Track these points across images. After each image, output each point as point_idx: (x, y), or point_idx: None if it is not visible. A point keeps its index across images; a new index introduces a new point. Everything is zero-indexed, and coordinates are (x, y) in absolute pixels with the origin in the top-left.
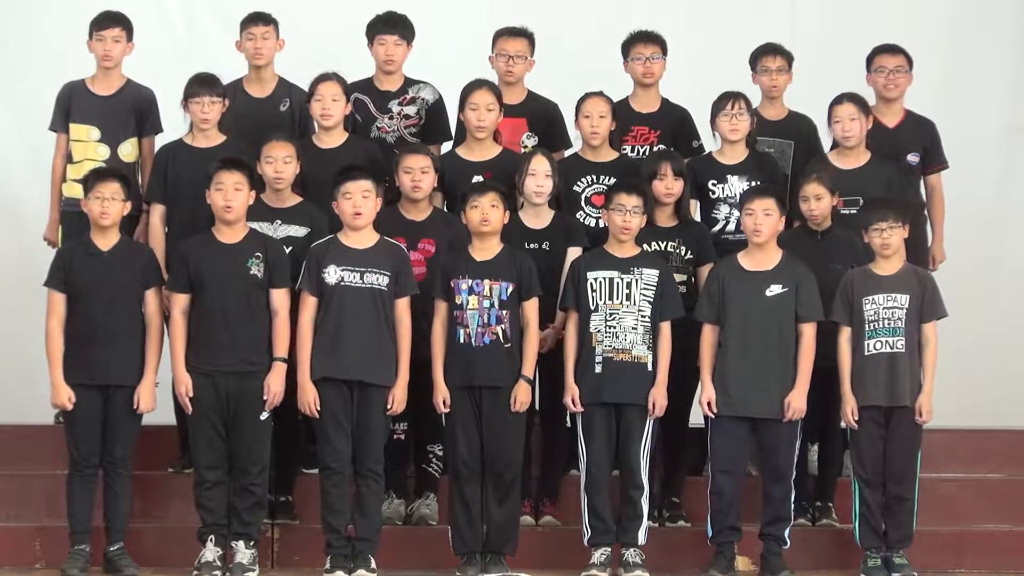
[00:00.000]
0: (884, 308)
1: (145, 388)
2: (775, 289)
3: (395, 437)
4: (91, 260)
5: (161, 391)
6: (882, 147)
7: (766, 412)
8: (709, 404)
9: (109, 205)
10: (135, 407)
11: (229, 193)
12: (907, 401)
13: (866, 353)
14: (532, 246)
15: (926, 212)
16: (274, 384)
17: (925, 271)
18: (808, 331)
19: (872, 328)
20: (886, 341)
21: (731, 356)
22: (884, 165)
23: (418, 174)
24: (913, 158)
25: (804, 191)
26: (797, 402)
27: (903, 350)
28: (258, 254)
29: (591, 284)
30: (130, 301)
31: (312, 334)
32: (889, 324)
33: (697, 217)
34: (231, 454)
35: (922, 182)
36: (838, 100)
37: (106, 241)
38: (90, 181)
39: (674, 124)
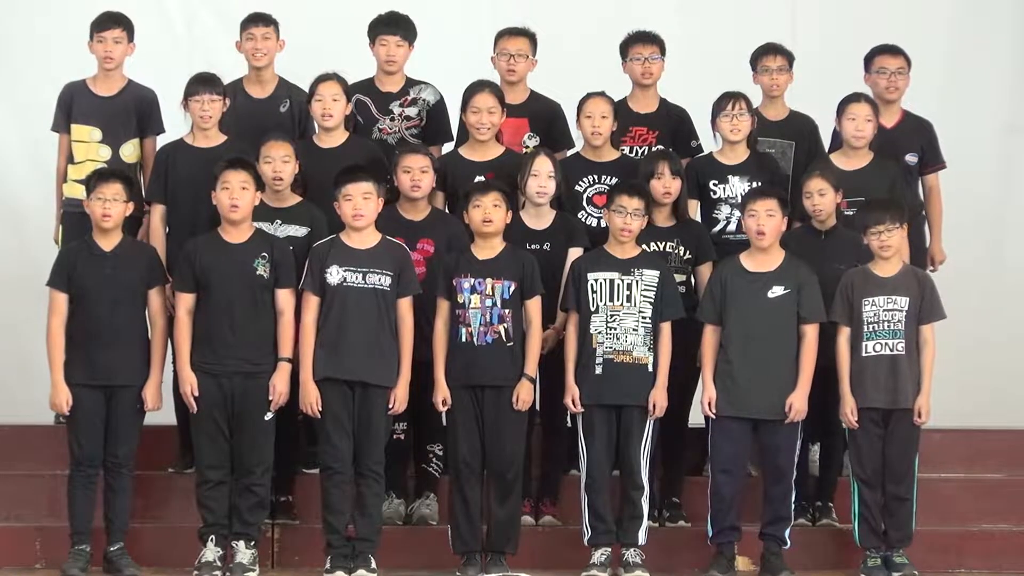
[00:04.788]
0: (884, 310)
1: (151, 387)
2: (777, 291)
3: (395, 437)
4: (94, 261)
5: (163, 391)
6: (880, 147)
7: (768, 413)
8: (710, 404)
9: (111, 206)
10: (141, 407)
11: (235, 192)
12: (908, 403)
13: (864, 354)
14: (533, 247)
15: (924, 212)
16: (279, 384)
17: (924, 273)
18: (810, 332)
19: (871, 330)
20: (886, 343)
21: (733, 357)
22: (887, 165)
23: (417, 174)
24: (911, 158)
25: (807, 187)
26: (799, 403)
27: (903, 352)
28: (264, 254)
29: (591, 285)
30: (133, 301)
31: (314, 334)
32: (889, 326)
33: (697, 217)
34: (234, 454)
35: (920, 182)
36: (855, 98)
37: (109, 242)
38: (92, 182)
39: (673, 124)
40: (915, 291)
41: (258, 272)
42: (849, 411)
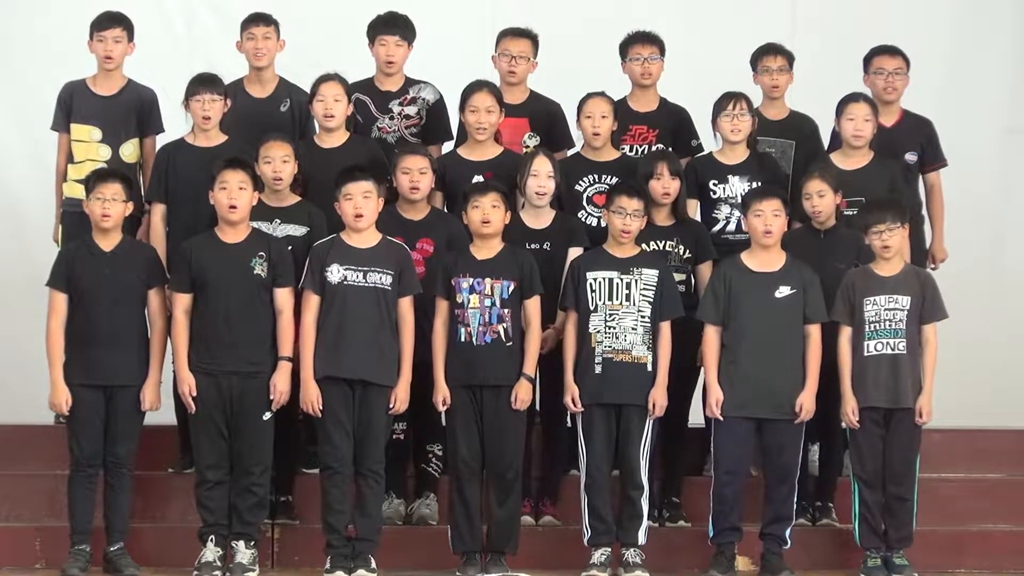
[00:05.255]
0: (885, 309)
1: (150, 387)
2: (784, 291)
3: (394, 437)
4: (94, 261)
5: (162, 391)
6: (880, 147)
7: (774, 413)
8: (717, 405)
9: (110, 206)
10: (140, 407)
11: (233, 192)
12: (909, 403)
13: (865, 354)
14: (533, 246)
15: (924, 212)
16: (280, 383)
17: (926, 272)
18: (815, 332)
19: (872, 329)
20: (887, 342)
21: (738, 357)
22: (887, 164)
23: (416, 175)
24: (911, 157)
25: (807, 188)
26: (808, 403)
27: (904, 351)
28: (261, 253)
29: (591, 284)
30: (133, 301)
31: (315, 333)
32: (890, 325)
33: (697, 217)
34: (233, 454)
35: (920, 181)
36: (854, 98)
37: (109, 242)
38: (91, 182)
39: (673, 123)
40: (916, 290)
41: (255, 271)
42: (850, 411)
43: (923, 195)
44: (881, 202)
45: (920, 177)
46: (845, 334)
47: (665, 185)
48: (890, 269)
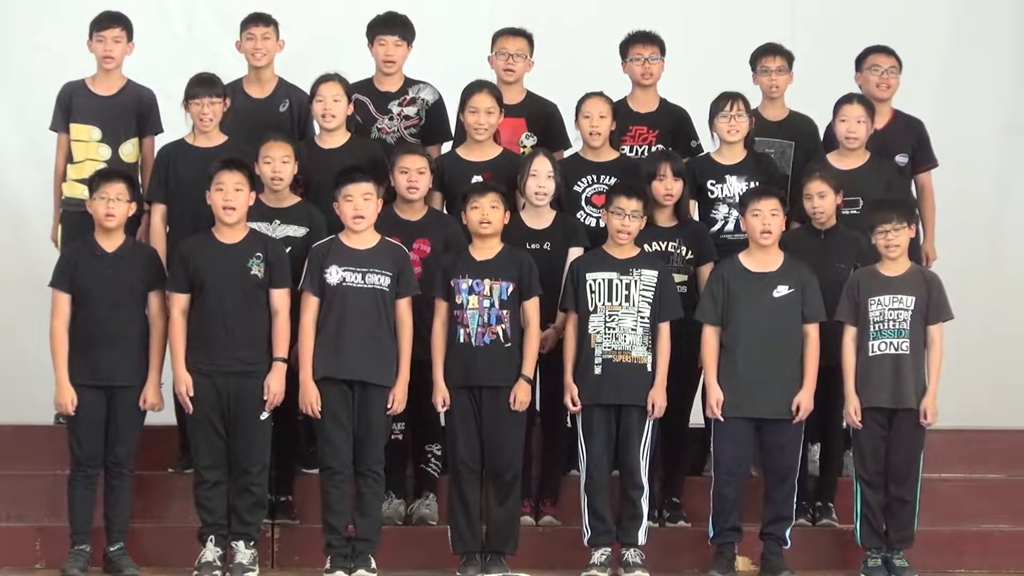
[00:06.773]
0: (889, 309)
1: (151, 388)
2: (782, 290)
3: (392, 437)
4: (96, 261)
5: (163, 391)
6: (870, 149)
7: (773, 413)
8: (717, 405)
9: (114, 206)
10: (141, 407)
11: (229, 193)
12: (912, 403)
13: (870, 354)
14: (533, 247)
15: (917, 212)
16: (274, 384)
17: (932, 272)
18: (813, 332)
19: (877, 329)
20: (891, 342)
21: (737, 357)
22: (884, 165)
23: (414, 174)
24: (901, 159)
25: (808, 188)
26: (806, 402)
27: (908, 352)
28: (259, 254)
29: (590, 285)
30: (135, 302)
31: (314, 334)
32: (895, 326)
33: (695, 217)
34: (231, 454)
35: (913, 182)
36: (848, 99)
37: (111, 242)
38: (95, 182)
39: (673, 124)
40: (922, 290)
41: (252, 272)
42: (853, 411)
43: (915, 196)
44: (887, 201)
45: (912, 178)
46: (849, 334)
47: (668, 186)
48: (895, 269)
